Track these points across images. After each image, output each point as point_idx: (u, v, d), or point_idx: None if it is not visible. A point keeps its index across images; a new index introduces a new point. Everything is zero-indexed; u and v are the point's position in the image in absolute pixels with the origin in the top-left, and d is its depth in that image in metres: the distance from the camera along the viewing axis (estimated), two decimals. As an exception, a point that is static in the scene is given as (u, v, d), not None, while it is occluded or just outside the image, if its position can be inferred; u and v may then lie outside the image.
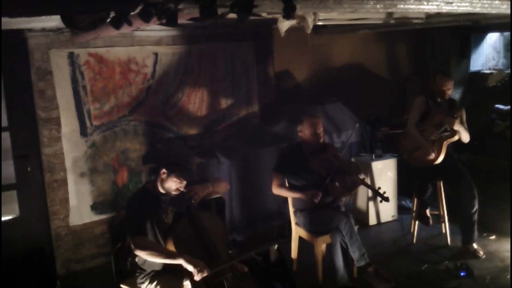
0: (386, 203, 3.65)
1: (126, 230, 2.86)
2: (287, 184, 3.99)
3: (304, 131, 3.89)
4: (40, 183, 4.11)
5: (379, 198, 3.60)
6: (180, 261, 2.72)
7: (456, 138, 4.14)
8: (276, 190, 3.97)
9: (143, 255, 2.80)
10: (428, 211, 4.52)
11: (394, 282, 3.64)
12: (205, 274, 2.67)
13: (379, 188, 3.63)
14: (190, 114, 4.84)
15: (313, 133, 3.83)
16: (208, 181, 3.18)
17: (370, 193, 4.97)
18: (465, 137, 4.18)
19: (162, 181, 2.88)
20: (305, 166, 3.81)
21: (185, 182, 2.89)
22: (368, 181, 4.85)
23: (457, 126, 4.07)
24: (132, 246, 2.78)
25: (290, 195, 3.96)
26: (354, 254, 3.62)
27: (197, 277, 2.67)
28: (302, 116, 3.99)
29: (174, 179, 2.85)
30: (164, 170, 2.85)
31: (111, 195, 4.43)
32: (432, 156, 4.15)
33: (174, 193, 2.90)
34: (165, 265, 2.88)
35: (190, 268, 2.69)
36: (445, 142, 4.13)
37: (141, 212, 2.84)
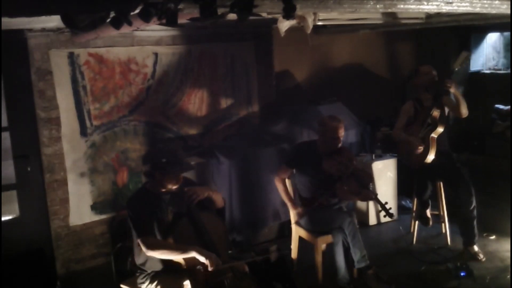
0: (380, 211, 3.65)
1: (134, 232, 2.86)
2: (287, 181, 4.01)
3: (323, 133, 3.85)
4: (40, 183, 4.11)
5: (383, 213, 3.59)
6: (193, 254, 2.73)
7: (440, 129, 4.10)
8: (277, 183, 4.03)
9: (156, 255, 2.80)
10: (428, 212, 4.52)
11: (394, 285, 3.65)
12: (216, 265, 2.69)
13: (386, 203, 3.61)
14: (190, 114, 4.84)
15: (333, 136, 3.79)
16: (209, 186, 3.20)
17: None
18: (463, 107, 4.08)
19: (160, 181, 2.90)
20: (318, 165, 3.79)
21: (181, 175, 2.90)
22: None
23: (453, 89, 4.00)
24: (144, 247, 2.78)
25: (284, 196, 4.00)
26: (356, 255, 3.62)
27: (210, 267, 2.68)
28: (322, 118, 3.97)
29: (169, 176, 2.86)
30: (157, 171, 2.87)
31: (111, 195, 4.42)
32: (424, 153, 4.12)
33: (174, 187, 2.91)
34: (165, 265, 2.88)
35: (203, 259, 2.70)
36: (431, 136, 4.10)
37: (145, 212, 2.85)
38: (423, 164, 4.18)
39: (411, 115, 4.35)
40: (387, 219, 5.07)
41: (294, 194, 4.04)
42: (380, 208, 3.60)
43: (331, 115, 4.00)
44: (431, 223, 4.50)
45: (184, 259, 2.77)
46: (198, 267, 2.73)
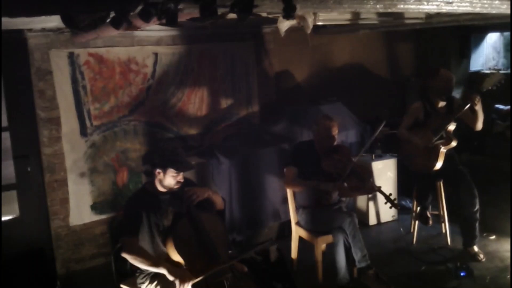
0: (386, 203, 3.65)
1: (119, 230, 2.87)
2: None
3: (318, 132, 3.87)
4: (40, 183, 4.11)
5: (388, 204, 3.60)
6: (163, 271, 2.73)
7: (453, 144, 4.08)
8: (291, 183, 3.87)
9: (128, 259, 2.83)
10: (428, 212, 4.52)
11: (394, 286, 3.64)
12: (188, 285, 2.66)
13: (390, 194, 3.62)
14: (190, 114, 4.84)
15: (328, 135, 3.81)
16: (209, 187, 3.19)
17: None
18: (481, 122, 4.03)
19: (161, 180, 2.89)
20: (317, 165, 3.80)
21: (182, 173, 2.90)
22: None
23: (478, 106, 3.91)
24: (122, 248, 2.81)
25: (308, 185, 3.80)
26: (356, 254, 3.62)
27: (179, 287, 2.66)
28: (317, 117, 3.97)
29: (171, 174, 2.86)
30: (158, 170, 2.87)
31: (111, 195, 4.43)
32: (431, 163, 4.10)
33: (176, 187, 2.91)
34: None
35: (171, 278, 2.70)
36: (441, 149, 4.06)
37: (136, 214, 2.84)
38: (425, 170, 4.16)
39: (420, 117, 4.25)
40: (387, 219, 5.08)
41: (293, 195, 4.03)
42: (385, 201, 3.60)
43: (325, 114, 4.02)
44: (430, 222, 4.49)
45: (184, 259, 2.77)
46: None
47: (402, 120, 4.38)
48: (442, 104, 4.20)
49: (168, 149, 2.99)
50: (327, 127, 3.80)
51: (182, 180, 2.91)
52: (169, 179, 2.88)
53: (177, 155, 2.91)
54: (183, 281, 2.66)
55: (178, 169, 2.87)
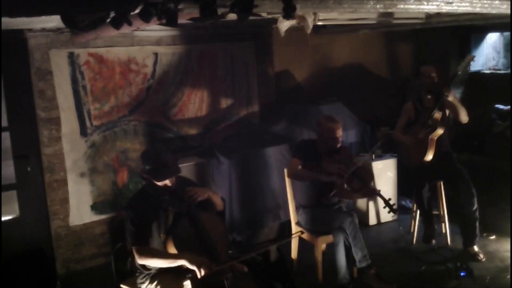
0: (385, 207, 3.64)
1: (129, 239, 2.87)
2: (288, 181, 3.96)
3: (321, 133, 3.85)
4: (40, 183, 4.11)
5: (387, 209, 3.60)
6: (183, 262, 2.73)
7: (440, 131, 4.10)
8: (294, 173, 3.82)
9: (147, 263, 2.84)
10: (432, 220, 4.49)
11: (396, 285, 3.64)
12: (207, 271, 2.67)
13: (390, 199, 3.62)
14: (190, 114, 4.84)
15: (331, 137, 3.78)
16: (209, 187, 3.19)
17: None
18: (463, 114, 4.11)
19: (152, 183, 2.92)
20: (318, 165, 3.79)
21: (172, 177, 2.91)
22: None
23: (451, 97, 4.04)
24: (136, 256, 2.82)
25: (312, 176, 3.74)
26: (357, 254, 3.62)
27: (199, 275, 2.67)
28: (319, 118, 3.95)
29: (161, 181, 2.88)
30: (146, 176, 2.91)
31: (111, 195, 4.43)
32: (422, 154, 4.13)
33: (166, 190, 2.91)
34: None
35: (192, 267, 2.70)
36: (430, 137, 4.10)
37: (143, 219, 2.84)
38: (421, 163, 4.18)
39: (411, 116, 4.35)
40: (387, 219, 5.08)
41: (294, 195, 4.03)
42: (384, 205, 3.60)
43: (329, 115, 4.00)
44: (434, 241, 4.46)
45: (186, 260, 2.76)
46: (188, 275, 2.72)
47: (397, 122, 4.45)
48: (429, 99, 4.26)
49: (154, 154, 2.99)
50: (331, 128, 3.78)
51: (172, 183, 2.92)
52: (156, 184, 2.90)
53: (162, 160, 2.89)
54: (204, 268, 2.67)
55: (155, 179, 2.87)
